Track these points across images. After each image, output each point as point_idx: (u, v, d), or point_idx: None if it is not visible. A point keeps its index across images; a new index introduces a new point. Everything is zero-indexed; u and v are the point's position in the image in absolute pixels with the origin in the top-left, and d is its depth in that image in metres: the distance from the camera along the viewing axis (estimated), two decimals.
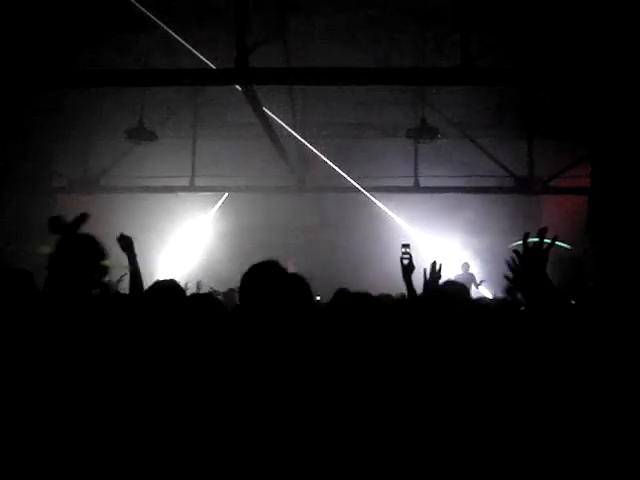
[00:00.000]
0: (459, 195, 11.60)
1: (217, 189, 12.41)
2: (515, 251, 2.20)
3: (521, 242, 2.21)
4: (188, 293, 3.23)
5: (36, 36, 8.52)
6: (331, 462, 2.14)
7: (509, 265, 2.21)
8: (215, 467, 2.11)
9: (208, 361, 2.34)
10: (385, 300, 3.94)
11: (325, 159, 11.24)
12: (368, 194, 11.53)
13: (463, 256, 11.95)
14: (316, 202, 12.25)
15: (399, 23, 9.77)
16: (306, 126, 11.72)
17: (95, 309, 2.50)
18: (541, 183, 11.12)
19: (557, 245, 2.25)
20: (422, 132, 10.35)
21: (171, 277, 3.29)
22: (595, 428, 1.96)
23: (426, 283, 2.97)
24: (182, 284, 3.28)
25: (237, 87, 7.27)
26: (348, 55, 9.63)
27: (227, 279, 6.55)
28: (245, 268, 2.59)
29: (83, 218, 2.51)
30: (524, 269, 2.15)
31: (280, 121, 10.27)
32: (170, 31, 8.47)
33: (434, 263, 2.98)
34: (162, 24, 8.34)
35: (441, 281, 3.06)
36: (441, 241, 12.14)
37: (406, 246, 3.40)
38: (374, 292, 4.17)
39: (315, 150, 11.24)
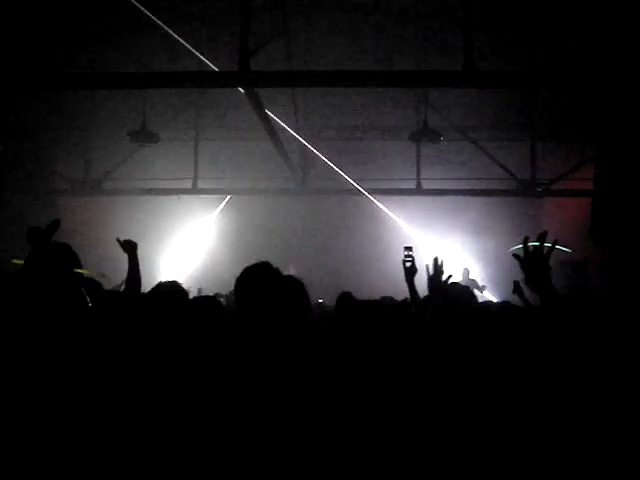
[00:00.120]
0: (461, 197, 11.58)
1: (219, 191, 12.40)
2: (515, 255, 2.19)
3: (520, 246, 2.21)
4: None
5: (38, 38, 8.54)
6: (332, 466, 2.13)
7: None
8: (214, 467, 2.10)
9: (207, 362, 2.33)
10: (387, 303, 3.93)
11: (327, 161, 11.23)
12: (370, 196, 11.51)
13: (464, 259, 11.92)
14: (318, 204, 12.24)
15: (401, 25, 9.78)
16: (308, 128, 11.72)
17: (89, 311, 2.49)
18: (544, 186, 11.09)
19: (557, 249, 2.24)
20: (424, 134, 10.34)
21: (173, 279, 3.28)
22: (600, 428, 1.95)
23: (430, 279, 2.96)
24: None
25: (239, 89, 7.27)
26: (350, 57, 9.64)
27: (229, 281, 6.54)
28: None
29: (55, 226, 2.48)
30: (525, 273, 2.14)
31: (282, 123, 10.26)
32: (173, 33, 8.48)
33: (436, 259, 2.97)
34: (165, 26, 8.34)
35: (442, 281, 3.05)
36: (443, 243, 12.12)
37: (409, 249, 3.39)
38: (375, 293, 4.16)
39: (317, 152, 11.23)
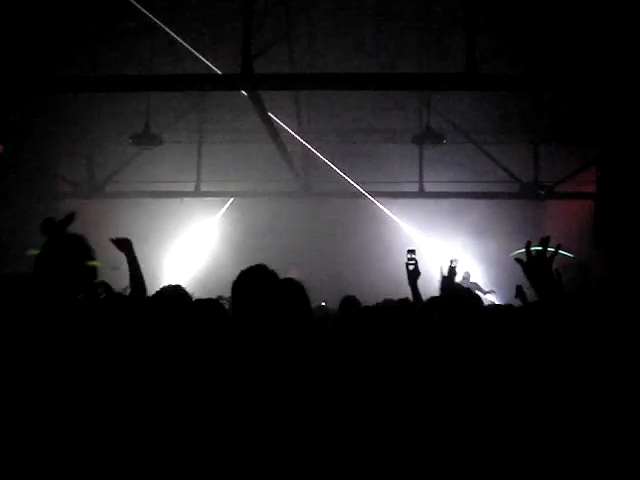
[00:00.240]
0: (463, 200, 11.58)
1: (222, 194, 12.42)
2: (518, 260, 2.19)
3: (522, 251, 2.21)
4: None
5: (41, 40, 8.56)
6: (334, 467, 2.12)
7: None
8: (215, 468, 2.10)
9: (208, 365, 2.33)
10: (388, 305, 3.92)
11: (330, 164, 11.24)
12: (373, 199, 11.52)
13: (466, 262, 11.91)
14: (321, 207, 12.25)
15: (404, 28, 9.78)
16: (311, 131, 11.73)
17: (93, 311, 2.49)
18: (546, 188, 11.08)
19: (560, 254, 2.23)
20: (427, 137, 10.34)
21: (176, 283, 3.28)
22: (602, 428, 1.95)
23: (443, 280, 2.96)
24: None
25: (242, 92, 7.28)
26: (353, 60, 9.65)
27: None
28: None
29: (71, 218, 2.51)
30: (529, 278, 2.14)
31: (285, 126, 10.28)
32: (175, 36, 8.49)
33: (451, 261, 2.97)
34: (167, 29, 8.36)
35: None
36: (445, 245, 12.11)
37: (411, 252, 3.39)
38: (377, 294, 4.16)
39: (320, 155, 11.24)
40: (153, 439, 2.18)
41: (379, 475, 2.17)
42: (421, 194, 11.49)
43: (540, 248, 2.16)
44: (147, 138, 10.60)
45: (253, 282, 2.53)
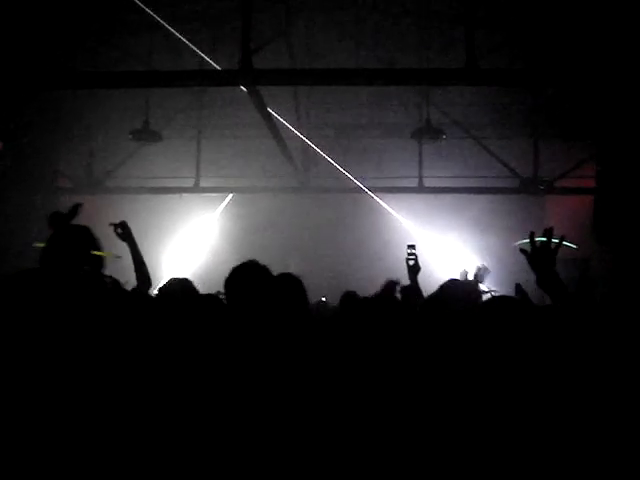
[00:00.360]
0: (463, 195, 11.58)
1: (221, 190, 12.41)
2: (523, 250, 2.19)
3: (526, 241, 2.20)
4: None
5: (40, 36, 8.54)
6: (333, 464, 2.13)
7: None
8: (214, 466, 2.11)
9: (209, 360, 2.34)
10: (390, 286, 3.82)
11: (329, 159, 11.23)
12: (372, 194, 11.51)
13: (465, 257, 11.91)
14: (320, 202, 12.24)
15: (403, 23, 9.77)
16: (310, 126, 11.72)
17: (98, 304, 2.48)
18: (546, 183, 11.08)
19: (564, 245, 2.23)
20: (426, 132, 10.33)
21: (182, 276, 3.26)
22: (603, 428, 1.95)
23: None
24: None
25: (242, 88, 7.27)
26: (352, 55, 9.63)
27: None
28: None
29: (76, 210, 2.51)
30: (533, 269, 2.13)
31: (284, 121, 10.26)
32: (174, 32, 8.47)
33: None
34: (166, 24, 8.34)
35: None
36: (444, 240, 12.12)
37: (412, 247, 3.39)
38: (377, 290, 4.14)
39: (319, 150, 11.23)
40: (155, 435, 2.19)
41: (378, 470, 2.18)
42: (421, 189, 11.48)
43: (544, 239, 2.16)
44: (146, 134, 10.60)
45: (245, 278, 2.53)
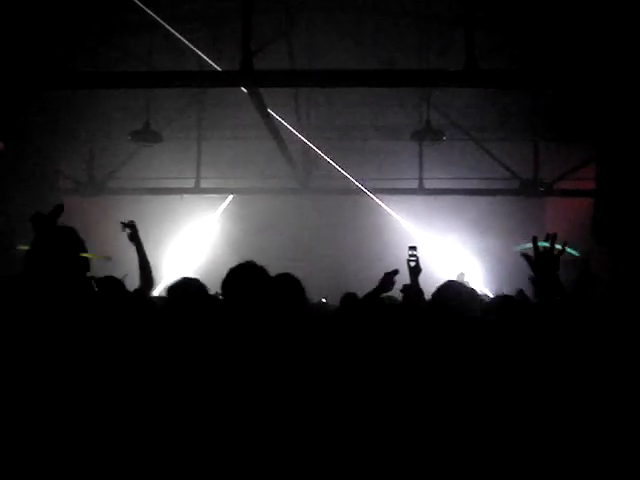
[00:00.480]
0: (463, 196, 11.58)
1: (221, 191, 12.42)
2: (525, 255, 2.18)
3: (529, 245, 2.20)
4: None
5: (41, 37, 8.54)
6: (332, 463, 2.13)
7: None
8: (214, 463, 2.11)
9: (208, 360, 2.34)
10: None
11: (330, 160, 11.24)
12: (372, 196, 11.52)
13: (465, 259, 11.93)
14: (321, 203, 12.24)
15: (403, 24, 9.77)
16: (310, 127, 11.73)
17: (88, 309, 2.46)
18: (546, 185, 11.08)
19: (567, 252, 2.23)
20: (427, 134, 10.34)
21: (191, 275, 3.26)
22: (602, 426, 1.96)
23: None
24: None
25: (242, 89, 7.27)
26: (353, 56, 9.63)
27: None
28: None
29: (59, 210, 2.47)
30: (536, 273, 2.13)
31: (285, 122, 10.27)
32: (175, 32, 8.48)
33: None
34: (167, 25, 8.34)
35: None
36: (444, 242, 12.12)
37: (413, 248, 3.37)
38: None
39: (320, 151, 11.24)
40: (155, 435, 2.19)
41: (378, 469, 2.18)
42: (421, 191, 11.49)
43: (547, 244, 2.15)
44: (147, 135, 10.60)
45: (242, 279, 2.53)
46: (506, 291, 4.74)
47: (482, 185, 11.37)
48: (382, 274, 3.29)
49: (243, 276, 2.53)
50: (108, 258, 3.31)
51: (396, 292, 3.67)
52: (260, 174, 11.79)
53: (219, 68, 8.16)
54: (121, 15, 9.12)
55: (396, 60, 10.02)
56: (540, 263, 2.14)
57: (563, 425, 2.00)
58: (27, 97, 9.45)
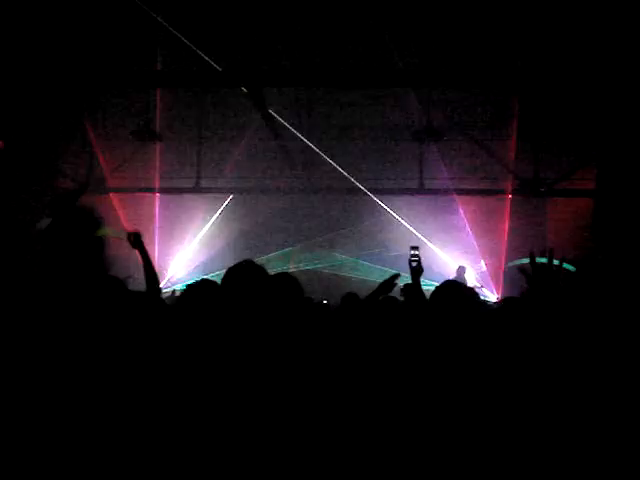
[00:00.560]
0: (464, 196, 11.59)
1: (222, 190, 12.42)
2: (522, 270, 2.18)
3: (523, 261, 2.20)
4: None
5: (40, 36, 8.54)
6: (332, 462, 2.14)
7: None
8: (214, 462, 2.12)
9: (207, 361, 2.34)
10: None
11: (330, 160, 11.24)
12: (373, 196, 11.52)
13: (463, 259, 11.93)
14: (321, 203, 12.25)
15: (404, 25, 9.77)
16: (311, 127, 11.73)
17: (109, 281, 2.44)
18: (546, 186, 11.08)
19: (564, 268, 2.23)
20: (427, 133, 10.34)
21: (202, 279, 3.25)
22: (601, 425, 1.96)
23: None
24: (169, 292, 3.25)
25: (243, 89, 7.28)
26: (354, 57, 9.63)
27: None
28: None
29: (82, 190, 2.45)
30: (534, 290, 2.13)
31: (285, 122, 10.27)
32: (176, 33, 8.48)
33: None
34: (168, 26, 8.34)
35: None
36: (444, 242, 12.12)
37: (415, 248, 3.36)
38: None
39: (320, 151, 11.24)
40: (154, 435, 2.20)
41: (376, 465, 2.19)
42: (421, 190, 11.50)
43: (545, 260, 2.14)
44: (148, 134, 10.60)
45: (241, 278, 2.54)
46: (507, 292, 4.76)
47: (482, 185, 11.37)
48: (382, 275, 3.30)
49: (242, 275, 2.54)
50: (121, 237, 3.29)
51: (396, 292, 3.68)
52: (260, 174, 11.80)
53: (219, 68, 8.16)
54: (122, 16, 9.11)
55: (397, 60, 10.02)
56: (538, 279, 2.14)
57: (563, 425, 2.01)
58: (27, 96, 9.44)
